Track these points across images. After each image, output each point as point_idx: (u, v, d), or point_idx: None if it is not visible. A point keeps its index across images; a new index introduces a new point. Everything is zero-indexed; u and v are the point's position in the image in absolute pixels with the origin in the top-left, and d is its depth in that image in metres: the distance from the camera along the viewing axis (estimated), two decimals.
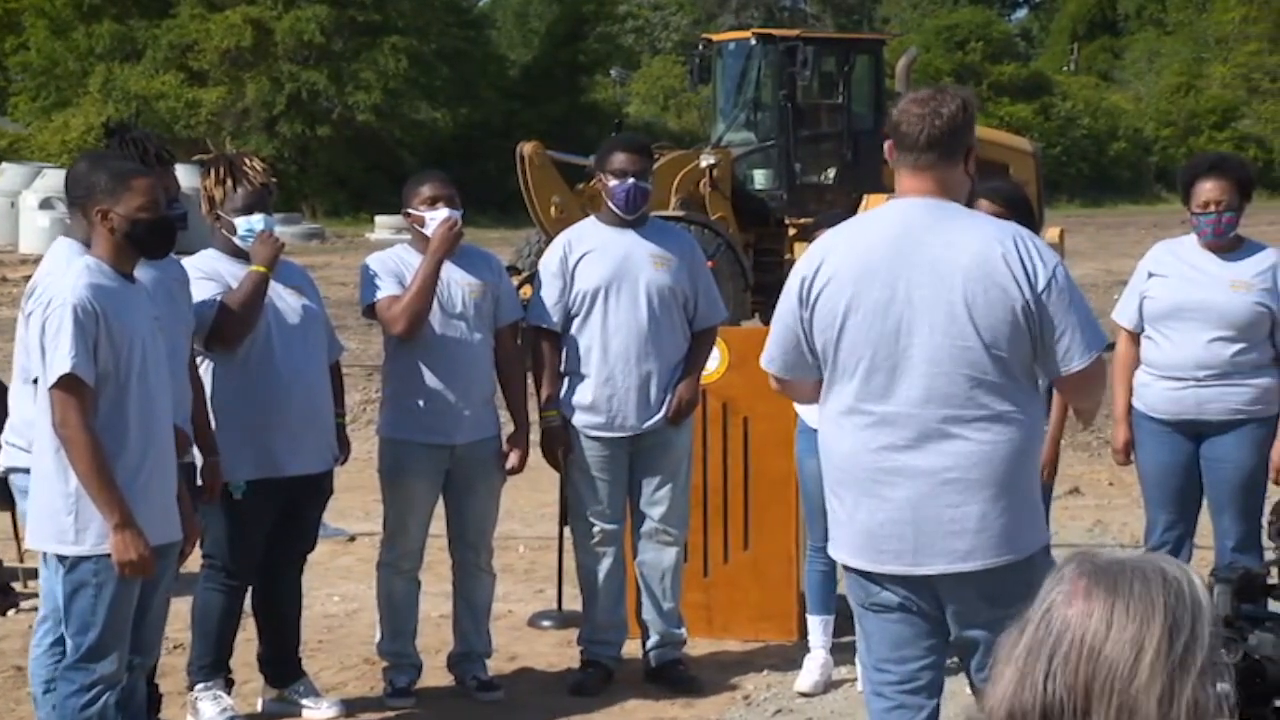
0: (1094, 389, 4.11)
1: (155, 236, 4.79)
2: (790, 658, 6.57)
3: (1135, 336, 6.25)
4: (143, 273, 4.92)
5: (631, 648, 6.52)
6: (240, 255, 5.77)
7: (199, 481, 5.51)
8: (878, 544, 4.05)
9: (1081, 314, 3.99)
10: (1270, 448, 6.08)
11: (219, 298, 5.67)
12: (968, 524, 3.98)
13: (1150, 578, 1.98)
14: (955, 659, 4.37)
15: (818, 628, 6.32)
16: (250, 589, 5.94)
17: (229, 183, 5.78)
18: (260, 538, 5.81)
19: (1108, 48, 63.28)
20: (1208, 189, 6.06)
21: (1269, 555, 3.09)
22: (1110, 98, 54.05)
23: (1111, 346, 4.74)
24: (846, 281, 4.02)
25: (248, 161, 5.89)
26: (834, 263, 4.05)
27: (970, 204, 4.21)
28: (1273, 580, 2.80)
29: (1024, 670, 1.98)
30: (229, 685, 5.92)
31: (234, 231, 5.77)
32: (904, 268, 3.97)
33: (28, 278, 6.52)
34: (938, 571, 4.01)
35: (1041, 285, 3.93)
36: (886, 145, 4.12)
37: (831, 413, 4.13)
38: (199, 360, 5.66)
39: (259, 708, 6.08)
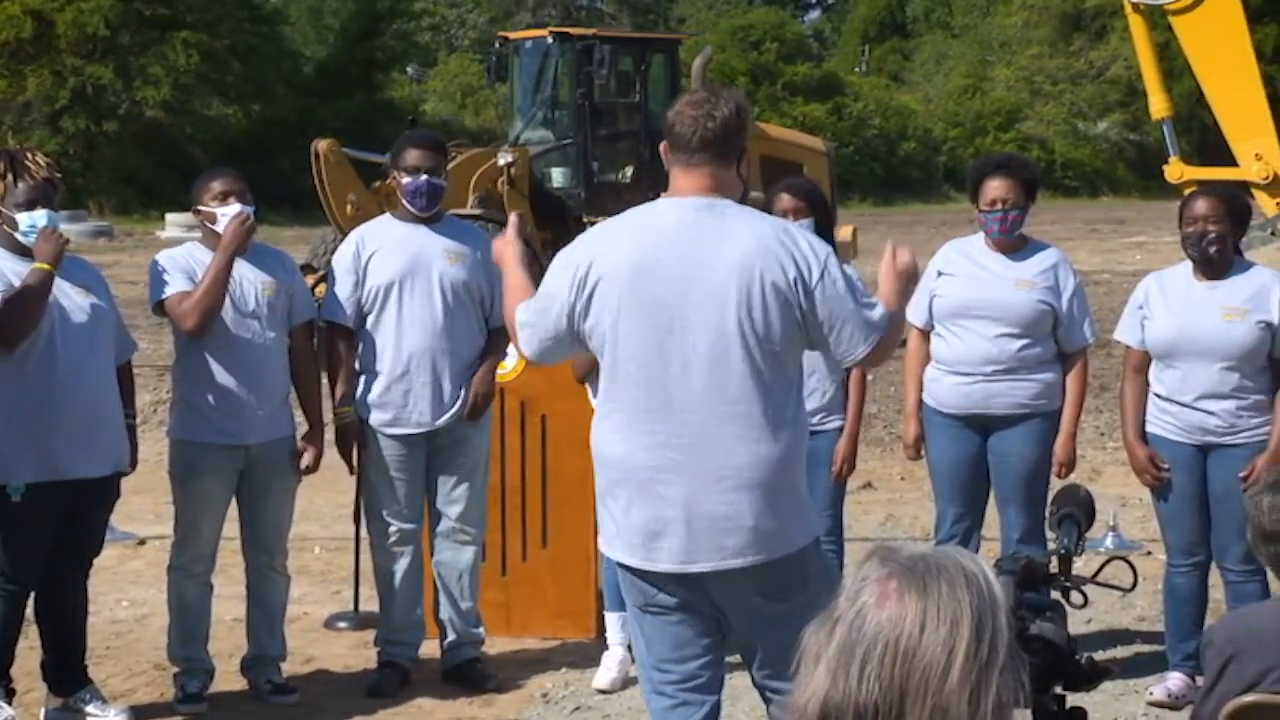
0: (885, 358, 4.18)
1: None
2: (589, 655, 6.59)
3: (925, 334, 6.38)
4: None
5: (429, 648, 6.48)
6: (24, 253, 5.62)
7: None
8: (651, 542, 4.04)
9: (857, 300, 4.03)
10: (1054, 441, 6.25)
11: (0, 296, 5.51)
12: (742, 521, 3.99)
13: (955, 577, 2.02)
14: (738, 656, 4.39)
15: (616, 624, 6.34)
16: (33, 595, 5.77)
17: (10, 177, 5.63)
18: (42, 541, 5.64)
19: (897, 49, 64.52)
20: (995, 187, 6.21)
21: (1051, 546, 3.16)
22: (900, 99, 55.09)
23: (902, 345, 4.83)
24: (620, 281, 3.99)
25: (30, 156, 5.74)
26: (606, 262, 4.02)
27: (744, 203, 4.21)
28: (1054, 570, 2.87)
29: (836, 669, 2.00)
30: (9, 695, 5.75)
31: (16, 228, 5.62)
32: (679, 266, 3.97)
33: None
34: (709, 569, 4.02)
35: (815, 278, 3.97)
36: (662, 146, 4.16)
37: (607, 411, 4.12)
38: None
39: (42, 717, 5.92)
